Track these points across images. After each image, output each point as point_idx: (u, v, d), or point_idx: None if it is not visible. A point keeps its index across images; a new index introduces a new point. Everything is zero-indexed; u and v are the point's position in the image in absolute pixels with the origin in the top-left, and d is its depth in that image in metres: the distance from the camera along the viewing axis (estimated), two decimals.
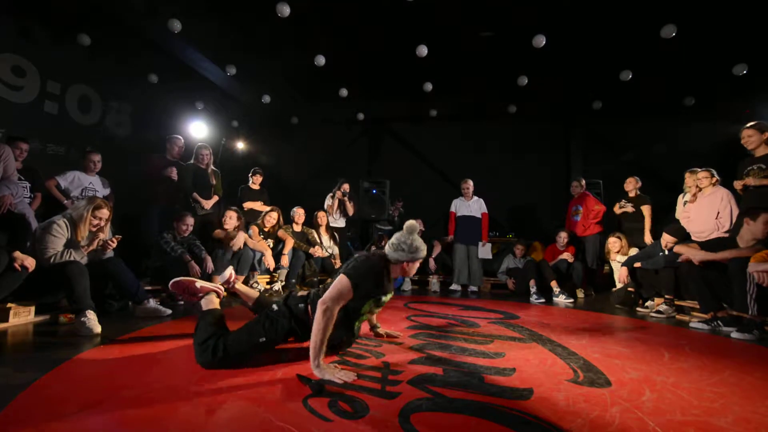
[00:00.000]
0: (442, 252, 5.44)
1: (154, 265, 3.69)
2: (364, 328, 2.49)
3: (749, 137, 3.34)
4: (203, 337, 1.76)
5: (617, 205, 4.82)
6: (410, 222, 1.99)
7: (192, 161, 4.62)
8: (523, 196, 6.77)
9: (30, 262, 2.37)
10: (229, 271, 2.40)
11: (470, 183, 5.33)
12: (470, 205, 5.26)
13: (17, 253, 2.35)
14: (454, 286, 5.06)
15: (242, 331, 1.82)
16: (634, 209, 4.62)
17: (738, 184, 3.32)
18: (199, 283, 2.06)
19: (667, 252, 3.59)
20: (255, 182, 5.16)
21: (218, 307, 2.01)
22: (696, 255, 3.05)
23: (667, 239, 3.60)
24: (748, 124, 3.36)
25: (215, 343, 1.73)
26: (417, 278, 5.49)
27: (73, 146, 4.83)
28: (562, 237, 4.84)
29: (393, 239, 1.98)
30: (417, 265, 2.00)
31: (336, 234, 5.26)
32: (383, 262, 1.94)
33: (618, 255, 4.33)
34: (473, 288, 5.05)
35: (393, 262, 1.97)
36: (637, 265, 3.76)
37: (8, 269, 2.34)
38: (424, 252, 1.97)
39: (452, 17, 4.63)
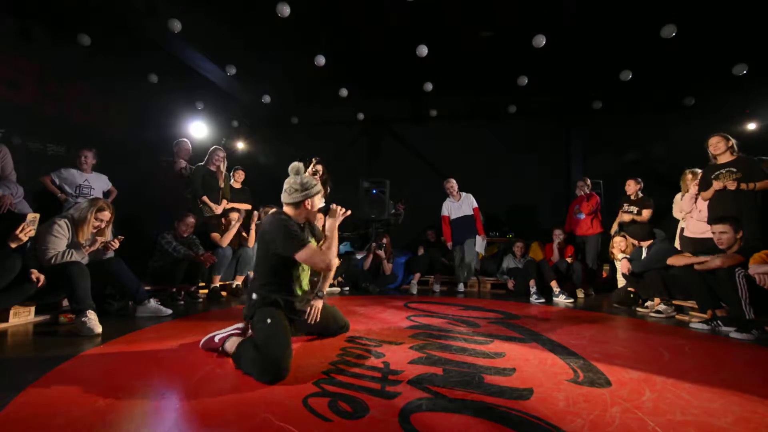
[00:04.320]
0: (437, 251, 5.42)
1: (155, 265, 3.70)
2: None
3: (717, 143, 3.49)
4: (250, 365, 1.71)
5: (620, 212, 4.70)
6: (293, 164, 2.12)
7: (203, 163, 4.60)
8: (523, 196, 6.76)
9: (42, 279, 2.48)
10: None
11: (453, 182, 5.27)
12: (461, 205, 5.21)
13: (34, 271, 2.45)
14: (460, 287, 5.02)
15: (256, 332, 1.88)
16: (639, 213, 4.56)
17: (717, 185, 3.38)
18: (218, 336, 2.01)
19: (645, 253, 3.66)
20: (237, 180, 5.01)
21: (240, 338, 1.98)
22: (694, 263, 3.06)
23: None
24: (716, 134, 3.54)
25: (255, 357, 1.70)
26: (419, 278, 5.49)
27: (73, 146, 4.82)
28: (557, 234, 4.85)
29: (285, 185, 2.09)
30: (316, 200, 2.11)
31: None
32: (285, 215, 2.04)
33: (622, 254, 4.32)
34: (462, 286, 5.03)
35: (295, 207, 2.08)
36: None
37: (17, 282, 2.38)
38: (317, 187, 2.09)
39: (452, 17, 4.63)
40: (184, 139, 4.71)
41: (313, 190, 2.08)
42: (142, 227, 4.36)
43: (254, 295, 2.04)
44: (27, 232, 2.39)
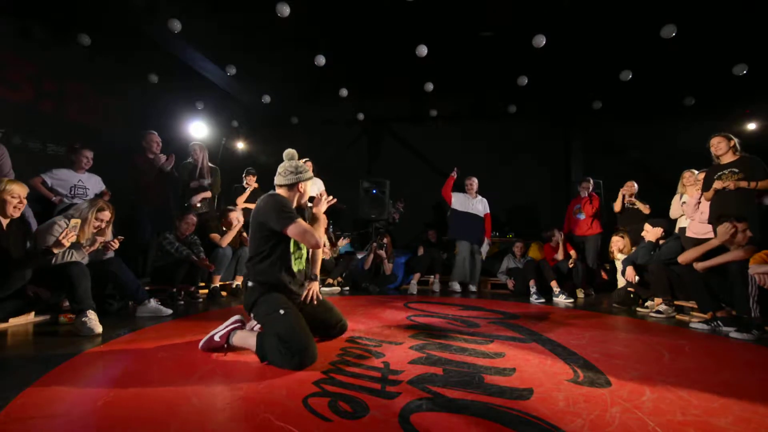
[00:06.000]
0: (437, 251, 5.43)
1: (154, 265, 3.69)
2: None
3: (718, 144, 3.50)
4: (277, 355, 1.77)
5: (622, 202, 4.74)
6: (288, 150, 2.22)
7: (188, 160, 4.67)
8: (523, 196, 6.76)
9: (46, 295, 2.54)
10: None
11: (475, 180, 5.32)
12: (475, 203, 5.24)
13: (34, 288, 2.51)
14: (455, 287, 5.02)
15: (271, 324, 1.90)
16: (644, 205, 4.56)
17: (717, 185, 3.38)
18: (217, 335, 2.02)
19: (645, 244, 3.70)
20: (249, 183, 5.11)
21: (252, 333, 1.99)
22: (697, 262, 3.06)
23: (648, 230, 3.73)
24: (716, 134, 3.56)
25: (280, 347, 1.76)
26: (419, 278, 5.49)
27: (69, 146, 4.81)
28: (556, 234, 4.87)
29: (280, 168, 2.18)
30: (308, 186, 2.21)
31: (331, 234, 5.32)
32: (279, 197, 2.08)
33: (621, 254, 4.33)
34: (472, 288, 5.05)
35: (289, 189, 2.16)
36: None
37: (18, 295, 2.42)
38: (309, 173, 2.20)
39: (452, 17, 4.63)
40: (152, 132, 4.59)
41: (305, 174, 2.17)
42: (138, 227, 4.36)
43: (251, 283, 2.06)
44: (69, 237, 2.46)
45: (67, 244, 2.47)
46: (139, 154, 4.49)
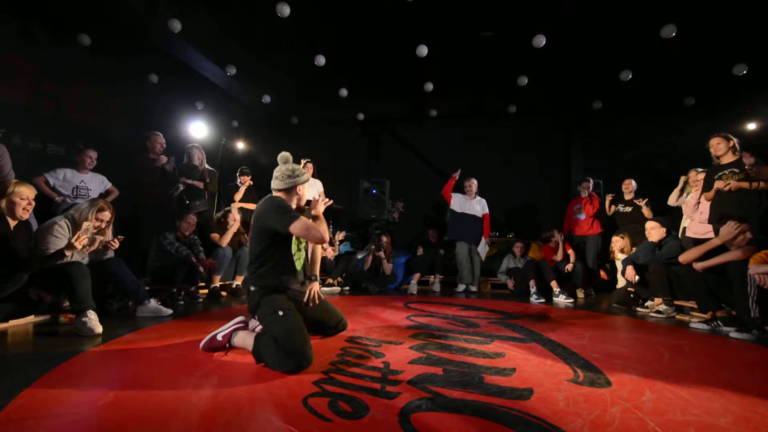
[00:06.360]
0: (437, 251, 5.43)
1: (155, 265, 3.69)
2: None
3: (717, 144, 3.51)
4: (272, 357, 1.76)
5: (612, 207, 4.87)
6: (282, 153, 2.23)
7: (186, 161, 4.69)
8: (523, 196, 6.76)
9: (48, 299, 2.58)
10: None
11: (474, 182, 5.32)
12: (473, 204, 5.25)
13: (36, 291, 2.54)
14: (460, 287, 5.01)
15: (270, 325, 1.91)
16: (648, 209, 4.61)
17: (719, 185, 3.39)
18: (220, 334, 2.03)
19: (647, 243, 3.71)
20: (243, 183, 5.09)
21: (251, 333, 1.99)
22: (696, 262, 3.06)
23: (654, 227, 3.73)
24: (716, 134, 3.57)
25: (277, 349, 1.76)
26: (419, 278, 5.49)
27: (72, 146, 4.82)
28: (556, 235, 4.88)
29: (276, 173, 2.19)
30: (306, 187, 2.25)
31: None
32: (277, 199, 2.09)
33: (622, 254, 4.34)
34: (472, 288, 5.06)
35: (287, 192, 2.17)
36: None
37: (18, 296, 2.45)
38: (306, 175, 2.22)
39: (452, 17, 4.63)
40: (157, 132, 4.60)
41: (302, 177, 2.19)
42: (138, 227, 4.36)
43: (252, 287, 2.05)
44: (81, 240, 2.48)
45: (80, 247, 2.48)
46: (142, 154, 4.50)
